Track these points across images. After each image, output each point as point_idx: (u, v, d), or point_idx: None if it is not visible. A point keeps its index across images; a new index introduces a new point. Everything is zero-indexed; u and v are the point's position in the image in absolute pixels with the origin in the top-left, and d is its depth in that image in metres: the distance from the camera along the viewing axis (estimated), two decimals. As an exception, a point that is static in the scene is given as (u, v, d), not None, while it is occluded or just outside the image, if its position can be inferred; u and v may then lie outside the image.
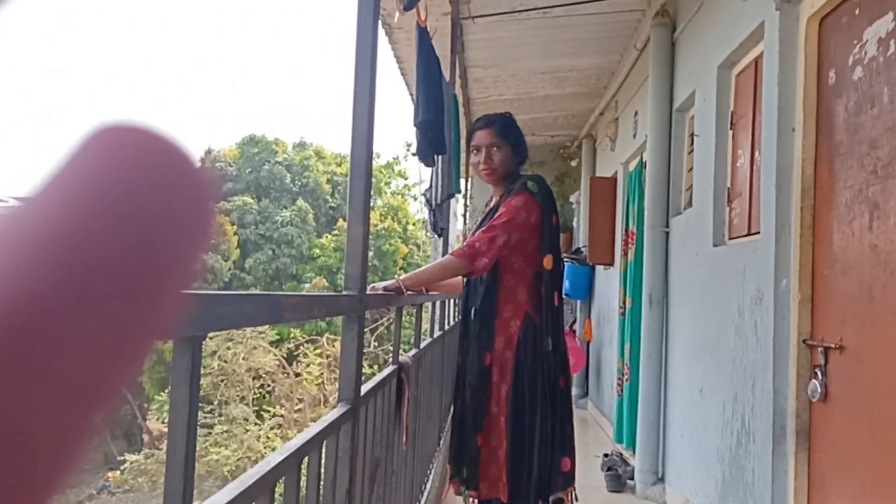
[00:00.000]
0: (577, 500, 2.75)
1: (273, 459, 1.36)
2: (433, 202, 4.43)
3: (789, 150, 2.87)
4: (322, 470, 1.75)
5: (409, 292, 2.55)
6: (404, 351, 3.05)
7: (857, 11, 2.50)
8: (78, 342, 0.16)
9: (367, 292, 2.49)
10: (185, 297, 0.18)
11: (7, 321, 0.15)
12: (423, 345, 3.59)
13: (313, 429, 1.65)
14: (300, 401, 15.31)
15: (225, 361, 14.42)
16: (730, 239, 3.72)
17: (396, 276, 2.89)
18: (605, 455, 5.27)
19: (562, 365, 2.74)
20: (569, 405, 2.75)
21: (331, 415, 1.82)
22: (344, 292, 1.95)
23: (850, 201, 2.49)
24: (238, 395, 14.33)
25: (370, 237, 2.14)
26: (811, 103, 2.79)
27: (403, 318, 3.05)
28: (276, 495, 1.34)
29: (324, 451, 1.74)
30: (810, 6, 2.76)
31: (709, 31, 4.04)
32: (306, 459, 1.56)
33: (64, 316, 0.16)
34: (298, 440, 1.52)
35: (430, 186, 4.47)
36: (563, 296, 2.85)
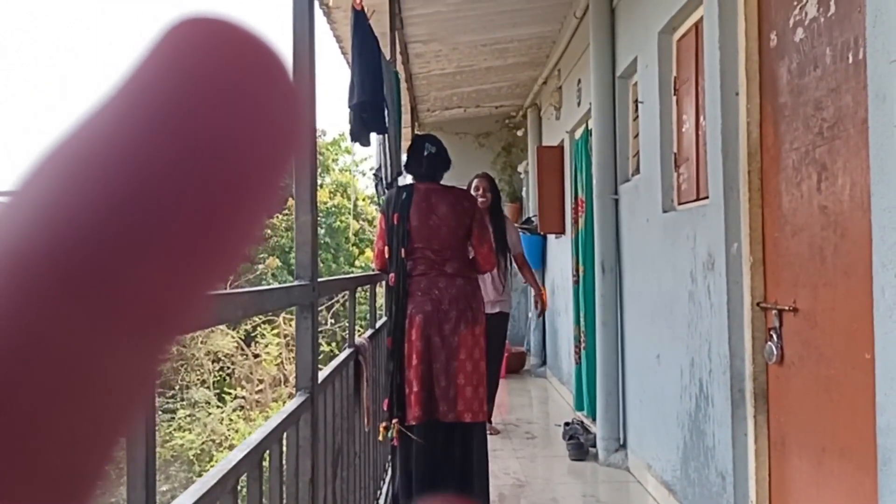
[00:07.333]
0: (390, 430, 3.44)
1: (233, 457, 1.36)
2: (384, 181, 4.38)
3: (734, 113, 2.87)
4: (283, 462, 1.76)
5: None
6: (360, 331, 3.09)
7: (795, -28, 2.48)
8: (145, 265, 0.14)
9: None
10: (262, 226, 0.16)
11: (72, 236, 0.14)
12: (378, 325, 3.60)
13: (271, 422, 1.66)
14: (260, 381, 15.22)
15: (184, 346, 14.23)
16: (679, 204, 3.73)
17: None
18: (566, 424, 5.29)
19: (395, 328, 3.45)
20: (399, 360, 3.42)
21: (289, 406, 1.82)
22: (295, 282, 1.93)
23: (797, 163, 2.50)
24: (199, 379, 14.19)
25: (320, 215, 2.12)
26: (754, 66, 2.79)
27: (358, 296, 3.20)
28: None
29: (284, 442, 1.75)
30: (749, -32, 2.75)
31: (648, -4, 4.02)
32: (267, 453, 1.55)
33: (124, 237, 0.14)
34: (258, 435, 1.52)
35: (380, 166, 4.43)
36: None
